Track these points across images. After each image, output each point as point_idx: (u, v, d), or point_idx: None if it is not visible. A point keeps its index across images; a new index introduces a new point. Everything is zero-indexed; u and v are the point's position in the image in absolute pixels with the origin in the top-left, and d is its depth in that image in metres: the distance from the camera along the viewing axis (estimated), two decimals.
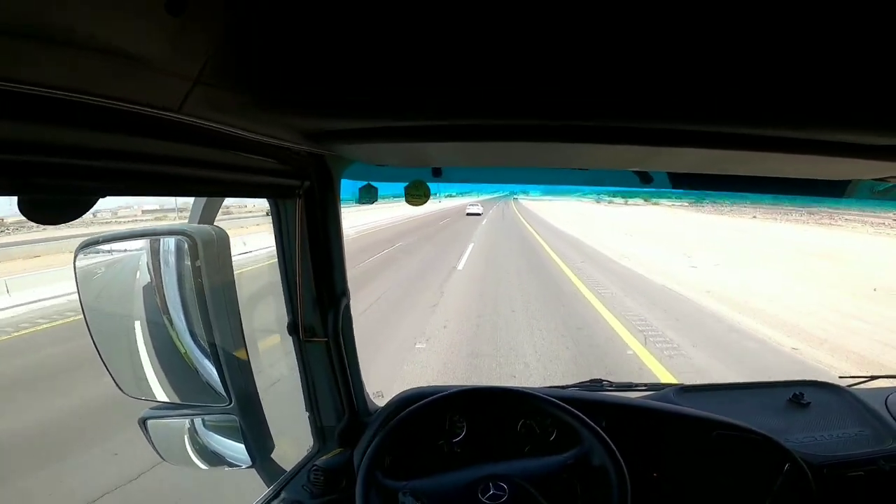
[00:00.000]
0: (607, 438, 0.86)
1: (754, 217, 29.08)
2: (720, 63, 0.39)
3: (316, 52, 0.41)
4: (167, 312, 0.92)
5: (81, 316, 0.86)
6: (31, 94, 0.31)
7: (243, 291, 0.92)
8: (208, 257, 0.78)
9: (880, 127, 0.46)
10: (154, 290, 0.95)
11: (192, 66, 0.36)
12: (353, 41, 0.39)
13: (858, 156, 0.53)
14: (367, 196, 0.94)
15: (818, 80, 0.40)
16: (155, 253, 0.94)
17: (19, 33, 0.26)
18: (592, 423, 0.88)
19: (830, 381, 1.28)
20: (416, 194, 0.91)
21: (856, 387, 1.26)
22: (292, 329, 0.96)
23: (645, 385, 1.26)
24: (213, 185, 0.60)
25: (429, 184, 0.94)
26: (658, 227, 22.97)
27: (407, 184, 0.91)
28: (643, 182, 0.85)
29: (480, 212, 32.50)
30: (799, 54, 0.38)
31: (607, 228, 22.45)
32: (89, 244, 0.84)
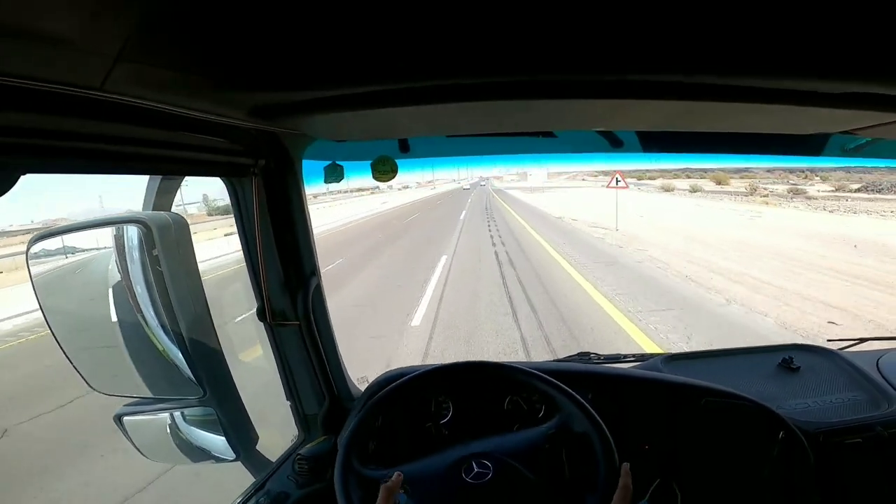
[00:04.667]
0: (585, 402, 0.84)
1: None
2: (682, 9, 0.38)
3: (246, 19, 0.38)
4: (137, 305, 0.90)
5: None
6: None
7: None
8: (166, 245, 0.75)
9: (844, 74, 0.46)
10: (121, 284, 0.92)
11: (112, 42, 0.35)
12: (291, 2, 0.36)
13: (827, 105, 0.53)
14: (333, 175, 0.91)
15: (783, 27, 0.39)
16: (121, 249, 0.91)
17: None
18: (568, 389, 0.86)
19: (820, 345, 1.27)
20: (383, 170, 0.88)
21: (846, 350, 1.26)
22: (261, 314, 0.94)
23: (633, 356, 1.26)
24: (151, 162, 0.58)
25: (397, 161, 0.91)
26: None
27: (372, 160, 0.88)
28: (613, 146, 0.84)
29: (469, 187, 55.54)
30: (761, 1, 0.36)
31: None
32: (40, 238, 0.80)
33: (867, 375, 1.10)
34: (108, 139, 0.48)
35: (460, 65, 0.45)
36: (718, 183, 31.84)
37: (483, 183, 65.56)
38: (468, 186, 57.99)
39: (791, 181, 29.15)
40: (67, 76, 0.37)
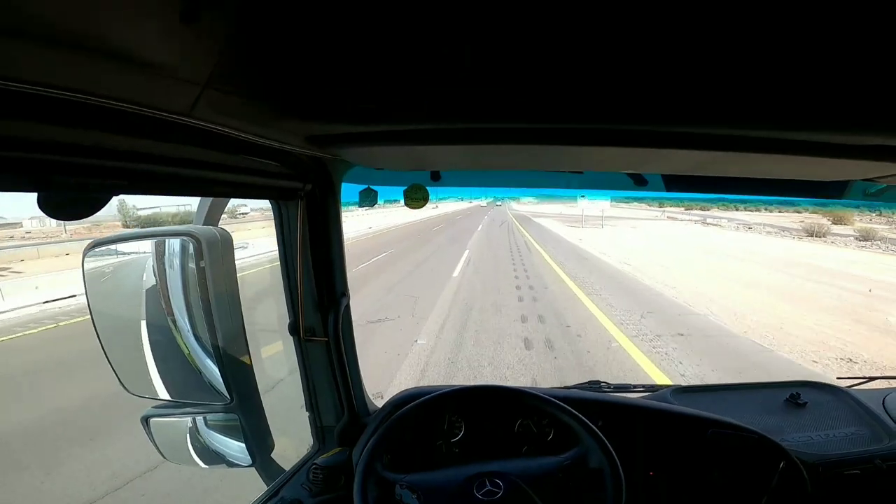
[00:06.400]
0: (605, 441, 0.85)
1: None
2: (711, 67, 0.40)
3: (319, 59, 0.42)
4: (171, 312, 0.94)
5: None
6: (51, 97, 0.33)
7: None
8: (213, 258, 0.80)
9: (868, 128, 0.48)
10: (158, 291, 0.97)
11: (201, 71, 0.38)
12: (354, 49, 0.41)
13: (848, 157, 0.55)
14: (368, 199, 0.96)
15: (808, 82, 0.41)
16: (160, 256, 0.96)
17: (42, 39, 0.27)
18: (591, 424, 0.88)
19: (828, 382, 1.27)
20: (415, 197, 0.93)
21: (853, 388, 1.26)
22: (293, 329, 0.98)
23: (643, 386, 1.27)
24: (218, 185, 0.62)
25: (428, 188, 0.96)
26: None
27: (406, 187, 0.93)
28: (637, 185, 0.87)
29: (485, 205, 58.04)
30: (788, 58, 0.39)
31: None
32: (97, 245, 0.86)
33: (872, 412, 1.10)
34: (188, 163, 0.52)
35: (497, 111, 0.49)
36: (837, 222, 21.20)
37: (499, 203, 60.03)
38: (485, 204, 60.82)
39: None
40: (162, 101, 0.40)
